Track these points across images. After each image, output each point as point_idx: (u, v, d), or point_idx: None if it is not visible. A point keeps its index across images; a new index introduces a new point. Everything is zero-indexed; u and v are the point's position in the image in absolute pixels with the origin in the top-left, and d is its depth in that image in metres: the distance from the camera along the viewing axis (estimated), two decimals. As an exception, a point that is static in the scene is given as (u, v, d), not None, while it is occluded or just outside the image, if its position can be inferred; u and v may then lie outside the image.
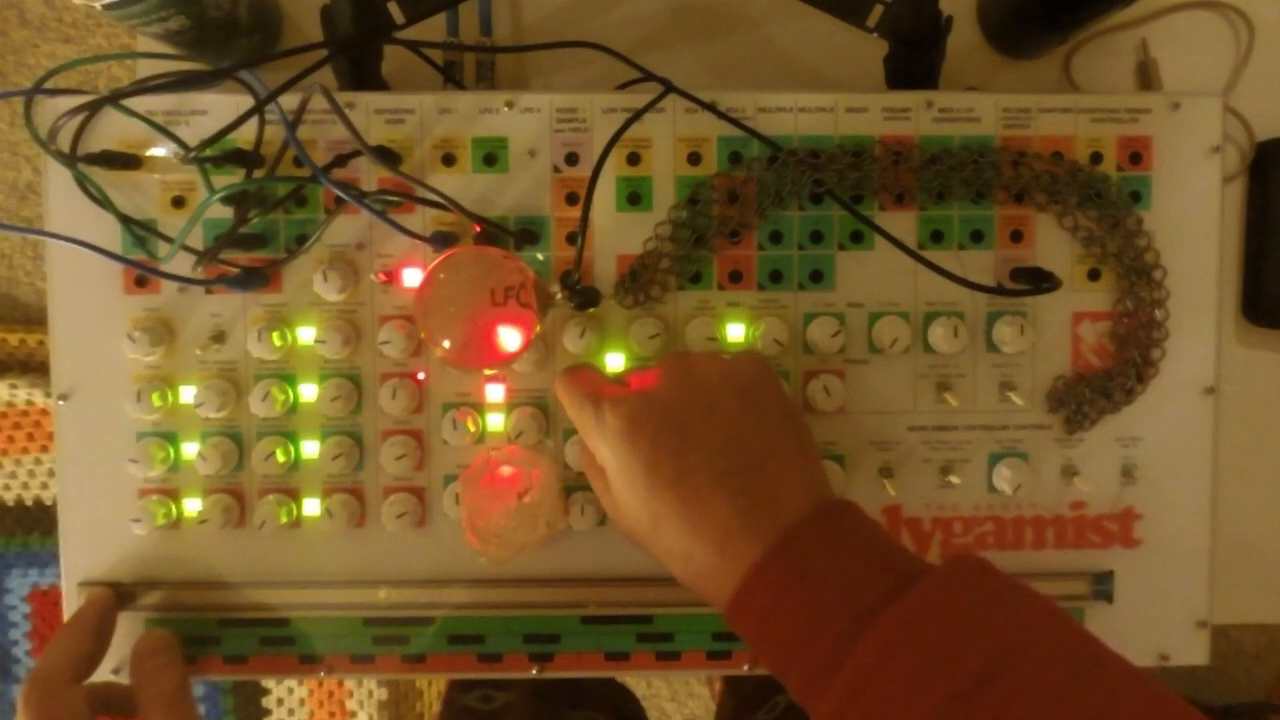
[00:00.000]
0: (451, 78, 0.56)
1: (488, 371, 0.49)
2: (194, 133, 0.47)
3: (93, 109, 0.47)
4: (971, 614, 0.34)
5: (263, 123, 0.47)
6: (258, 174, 0.47)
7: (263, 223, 0.48)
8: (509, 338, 0.44)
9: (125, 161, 0.48)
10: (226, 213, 0.48)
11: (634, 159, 0.48)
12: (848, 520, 0.38)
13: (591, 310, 0.48)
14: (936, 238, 0.49)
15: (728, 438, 0.40)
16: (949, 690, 0.32)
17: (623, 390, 0.43)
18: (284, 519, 0.48)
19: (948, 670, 0.32)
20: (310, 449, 0.49)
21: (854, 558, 0.37)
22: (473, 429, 0.48)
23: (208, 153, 0.46)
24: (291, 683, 1.33)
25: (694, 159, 0.48)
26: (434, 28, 0.53)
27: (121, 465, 0.48)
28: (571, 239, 0.49)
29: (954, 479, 0.49)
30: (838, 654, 0.34)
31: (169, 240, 0.47)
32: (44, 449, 1.32)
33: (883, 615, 0.34)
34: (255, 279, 0.48)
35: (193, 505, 0.49)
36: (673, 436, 0.39)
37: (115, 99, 0.46)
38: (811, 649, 0.35)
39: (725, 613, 0.38)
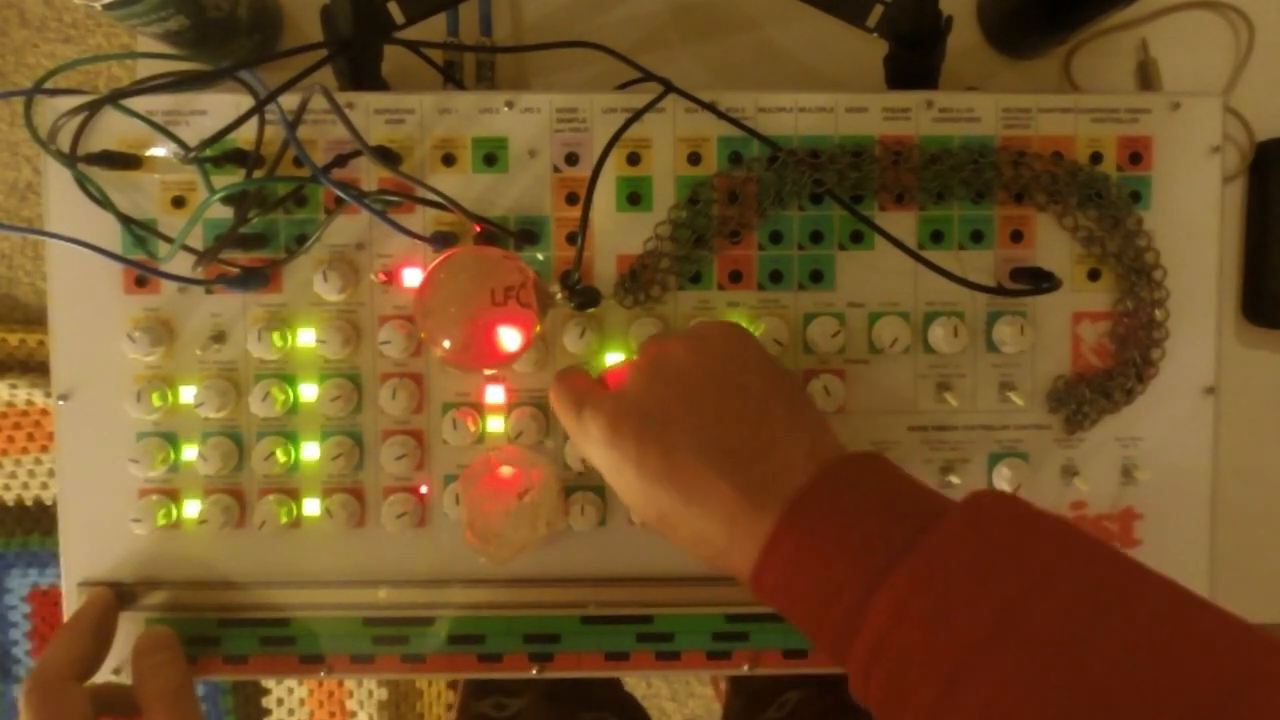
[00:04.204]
0: (451, 78, 0.56)
1: (488, 372, 0.49)
2: (194, 133, 0.47)
3: (93, 109, 0.47)
4: (986, 558, 0.33)
5: (263, 123, 0.47)
6: (258, 174, 0.47)
7: (263, 223, 0.48)
8: (509, 338, 0.44)
9: (125, 161, 0.48)
10: (226, 213, 0.48)
11: (634, 159, 0.48)
12: (857, 475, 0.37)
13: (591, 310, 0.48)
14: (936, 238, 0.49)
15: (712, 419, 0.39)
16: (966, 640, 0.31)
17: (601, 392, 0.42)
18: (284, 519, 0.48)
19: (964, 618, 0.31)
20: (310, 449, 0.49)
21: (866, 512, 0.36)
22: (473, 429, 0.48)
23: (208, 153, 0.46)
24: (291, 683, 1.33)
25: (694, 159, 0.48)
26: (434, 28, 0.53)
27: (121, 465, 0.48)
28: (571, 239, 0.49)
29: (954, 479, 0.49)
30: (859, 610, 0.33)
31: (169, 240, 0.47)
32: (44, 449, 1.32)
33: (899, 566, 0.33)
34: (255, 279, 0.48)
35: (193, 505, 0.49)
36: (655, 431, 0.39)
37: (115, 99, 0.47)
38: (835, 609, 0.34)
39: (750, 588, 0.38)
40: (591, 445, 0.41)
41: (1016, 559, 0.33)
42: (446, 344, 0.44)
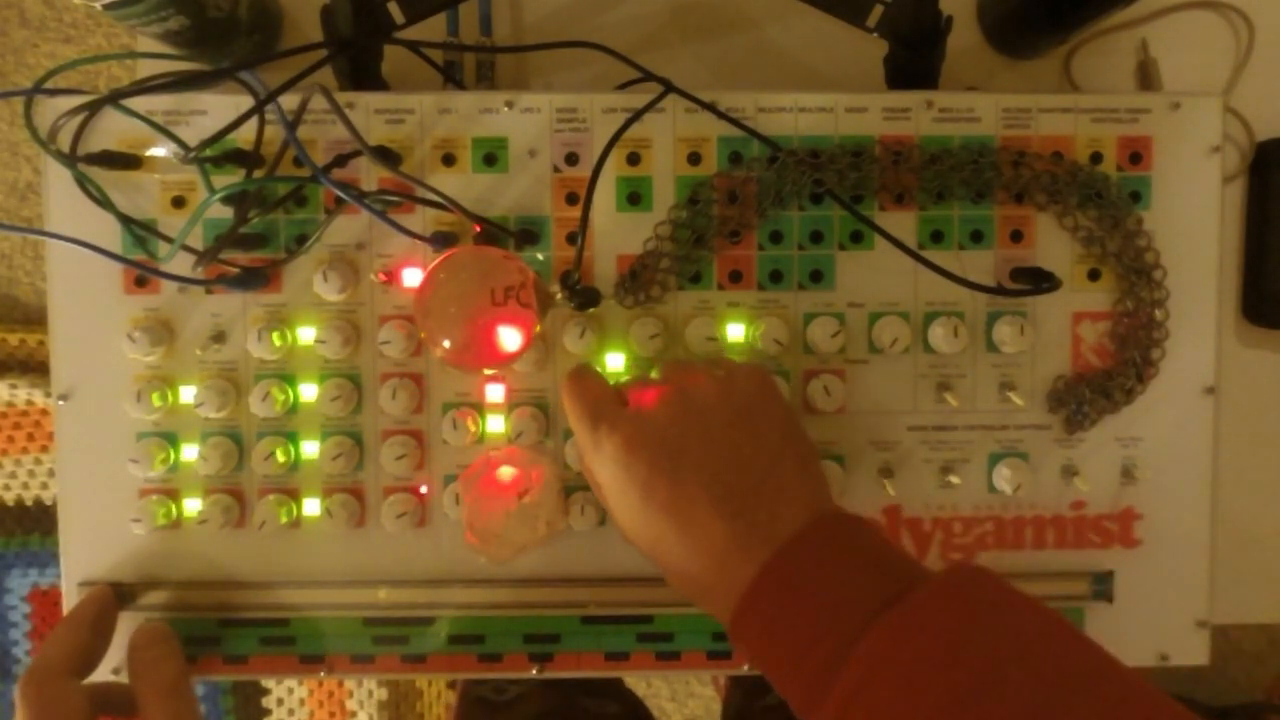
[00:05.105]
0: (451, 78, 0.56)
1: (488, 371, 0.49)
2: (194, 133, 0.47)
3: (93, 109, 0.47)
4: (963, 626, 0.33)
5: (263, 123, 0.47)
6: (258, 174, 0.47)
7: (263, 223, 0.48)
8: (509, 338, 0.44)
9: (125, 161, 0.48)
10: (226, 213, 0.47)
11: (634, 159, 0.48)
12: (844, 533, 0.38)
13: (591, 310, 0.48)
14: (936, 238, 0.49)
15: (724, 461, 0.39)
16: (936, 705, 0.31)
17: (620, 410, 0.43)
18: (284, 519, 0.48)
19: (936, 684, 0.32)
20: (310, 449, 0.49)
21: (849, 570, 0.36)
22: (473, 429, 0.48)
23: (208, 153, 0.46)
24: (291, 683, 1.33)
25: (694, 159, 0.48)
26: (434, 28, 0.53)
27: (121, 465, 0.48)
28: (571, 239, 0.49)
29: (954, 479, 0.49)
30: (831, 667, 0.34)
31: (169, 240, 0.47)
32: (44, 449, 1.32)
33: (873, 627, 0.34)
34: (255, 279, 0.48)
35: (193, 505, 0.49)
36: (668, 461, 0.39)
37: (115, 99, 0.47)
38: (808, 663, 0.35)
39: (728, 632, 0.38)
40: (601, 461, 0.41)
41: (993, 628, 0.33)
42: (446, 344, 0.44)
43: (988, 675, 0.31)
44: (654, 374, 0.47)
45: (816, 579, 0.36)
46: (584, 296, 0.47)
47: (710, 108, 0.48)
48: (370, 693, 1.34)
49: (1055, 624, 0.35)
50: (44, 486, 1.32)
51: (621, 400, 0.44)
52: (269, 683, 1.33)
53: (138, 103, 0.47)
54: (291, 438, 0.49)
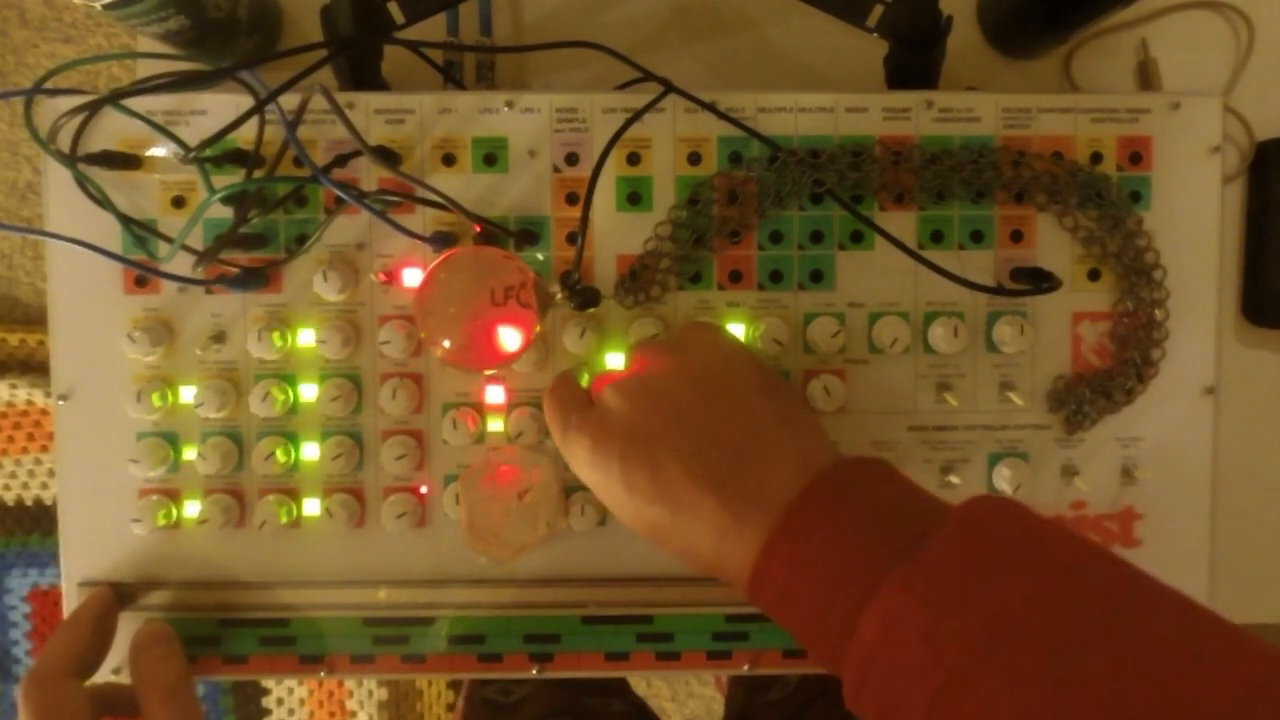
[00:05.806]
0: (451, 78, 0.56)
1: (488, 372, 0.49)
2: (194, 133, 0.47)
3: (93, 109, 0.47)
4: (981, 567, 0.32)
5: (263, 123, 0.47)
6: (258, 174, 0.47)
7: (263, 223, 0.48)
8: (509, 338, 0.44)
9: (125, 161, 0.48)
10: (226, 213, 0.48)
11: (634, 159, 0.48)
12: (847, 486, 0.37)
13: (591, 310, 0.48)
14: (936, 238, 0.49)
15: (697, 433, 0.39)
16: (956, 654, 0.30)
17: (586, 408, 0.42)
18: (284, 519, 0.48)
19: (955, 631, 0.31)
20: (310, 449, 0.49)
21: (859, 520, 0.35)
22: (473, 429, 0.48)
23: (208, 153, 0.46)
24: (291, 683, 1.33)
25: (694, 159, 0.48)
26: (434, 28, 0.53)
27: (121, 465, 0.48)
28: (571, 239, 0.49)
29: (954, 479, 0.49)
30: (851, 621, 0.33)
31: (169, 240, 0.47)
32: (44, 449, 1.32)
33: (890, 576, 0.33)
34: (255, 279, 0.48)
35: (193, 505, 0.49)
36: (639, 449, 0.39)
37: (115, 99, 0.47)
38: (829, 620, 0.34)
39: (748, 601, 0.37)
40: (578, 463, 0.41)
41: (1010, 570, 0.32)
42: (446, 344, 0.44)
43: (1006, 621, 0.30)
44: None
45: (827, 534, 0.35)
46: (584, 296, 0.47)
47: (710, 108, 0.48)
48: (370, 693, 1.34)
49: (1079, 553, 0.33)
50: (44, 486, 1.32)
51: (589, 399, 0.43)
52: (269, 683, 1.33)
53: (138, 103, 0.47)
54: (291, 438, 0.49)
